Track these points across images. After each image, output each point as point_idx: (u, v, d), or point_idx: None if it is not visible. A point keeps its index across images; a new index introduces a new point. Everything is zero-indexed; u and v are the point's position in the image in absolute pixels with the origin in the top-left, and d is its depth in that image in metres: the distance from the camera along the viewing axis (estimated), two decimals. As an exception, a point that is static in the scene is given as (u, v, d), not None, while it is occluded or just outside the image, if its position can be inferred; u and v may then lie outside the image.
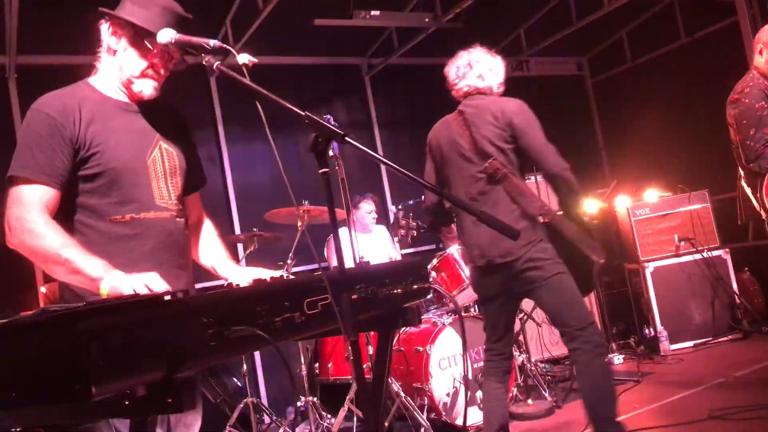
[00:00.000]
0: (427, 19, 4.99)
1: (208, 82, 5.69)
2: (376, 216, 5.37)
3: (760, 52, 3.60)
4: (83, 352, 1.06)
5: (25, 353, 1.10)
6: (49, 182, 1.87)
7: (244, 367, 4.54)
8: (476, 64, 3.18)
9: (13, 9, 4.01)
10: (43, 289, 3.95)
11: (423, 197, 3.47)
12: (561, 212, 3.09)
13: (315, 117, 1.63)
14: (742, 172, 3.61)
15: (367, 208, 5.31)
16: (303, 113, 1.66)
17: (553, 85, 7.50)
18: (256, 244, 4.68)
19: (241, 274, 2.13)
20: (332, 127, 1.61)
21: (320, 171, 1.64)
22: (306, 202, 4.49)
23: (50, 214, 1.87)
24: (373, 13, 4.64)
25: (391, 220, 5.92)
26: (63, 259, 1.76)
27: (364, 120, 6.59)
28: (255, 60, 1.83)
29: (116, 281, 1.68)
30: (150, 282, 1.62)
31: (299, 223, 4.47)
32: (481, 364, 4.42)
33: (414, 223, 3.51)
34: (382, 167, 6.54)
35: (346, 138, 1.61)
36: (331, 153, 4.00)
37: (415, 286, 2.07)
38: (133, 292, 1.60)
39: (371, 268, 2.02)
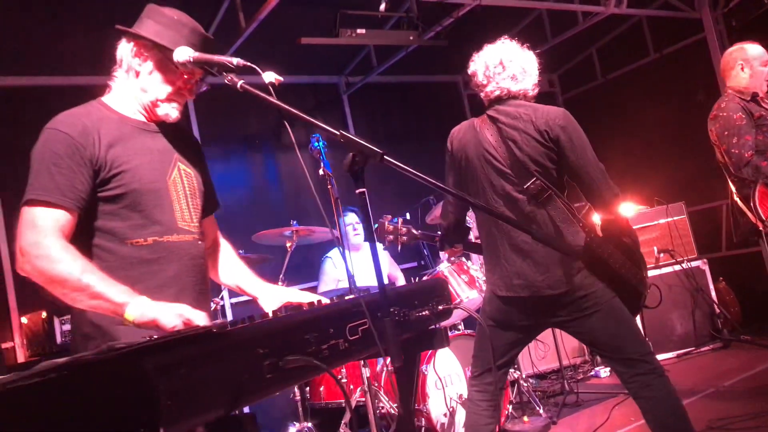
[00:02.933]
0: (411, 37, 4.99)
1: (186, 102, 5.57)
2: (357, 230, 5.29)
3: (743, 69, 3.77)
4: (151, 391, 0.99)
5: (86, 394, 1.01)
6: (69, 206, 1.78)
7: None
8: (509, 63, 2.74)
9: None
10: (24, 320, 3.77)
11: (441, 212, 3.07)
12: (605, 235, 2.74)
13: (351, 136, 1.59)
14: (733, 188, 3.69)
15: (347, 221, 5.21)
16: (338, 132, 1.62)
17: (526, 101, 7.60)
18: (242, 266, 4.57)
19: (270, 293, 2.07)
20: (371, 146, 1.57)
21: (357, 191, 1.59)
22: (295, 222, 4.42)
23: (66, 239, 1.77)
24: (359, 31, 4.62)
25: (375, 226, 5.85)
26: (83, 284, 1.67)
27: (343, 138, 6.54)
28: (281, 78, 1.78)
29: (144, 308, 1.60)
30: (185, 312, 1.54)
31: (288, 244, 4.40)
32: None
33: (404, 228, 3.06)
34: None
35: (385, 156, 1.56)
36: (321, 172, 3.94)
37: (440, 307, 2.02)
38: (167, 321, 1.52)
39: (401, 289, 1.97)
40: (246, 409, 4.87)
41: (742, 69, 3.77)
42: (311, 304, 1.62)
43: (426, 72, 6.84)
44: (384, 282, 1.58)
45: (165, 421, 0.99)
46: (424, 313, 1.91)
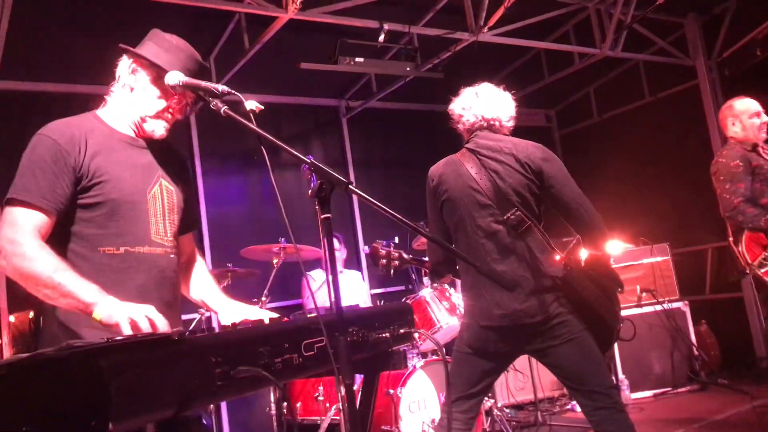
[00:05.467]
0: (408, 68, 5.15)
1: (188, 116, 5.73)
2: (341, 254, 5.43)
3: (733, 124, 3.99)
4: (104, 388, 1.09)
5: (44, 388, 1.12)
6: (47, 208, 1.88)
7: (211, 405, 4.48)
8: (482, 93, 2.95)
9: (1, 36, 4.01)
10: (11, 318, 3.87)
11: (428, 248, 3.19)
12: (583, 269, 2.82)
13: (319, 165, 1.70)
14: (729, 230, 3.86)
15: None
16: (308, 160, 1.73)
17: (523, 135, 7.70)
18: (229, 279, 4.68)
19: (231, 311, 2.16)
20: (337, 175, 1.68)
21: (322, 217, 1.70)
22: (283, 240, 4.53)
23: (43, 239, 1.87)
24: (357, 59, 4.78)
25: (367, 251, 5.98)
26: (56, 282, 1.76)
27: (340, 159, 6.70)
28: (261, 107, 1.90)
29: (112, 308, 1.69)
30: (149, 313, 1.63)
31: (275, 260, 4.51)
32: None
33: (396, 253, 3.13)
34: (356, 207, 6.63)
35: (350, 186, 1.68)
36: (310, 193, 4.06)
37: (401, 330, 2.12)
38: (130, 322, 1.61)
39: (363, 311, 2.08)
40: (224, 418, 4.94)
41: (734, 124, 3.99)
42: (272, 319, 1.72)
43: (425, 100, 7.01)
44: (342, 304, 1.68)
45: (114, 417, 1.09)
46: (383, 334, 2.01)
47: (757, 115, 3.92)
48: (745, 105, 3.99)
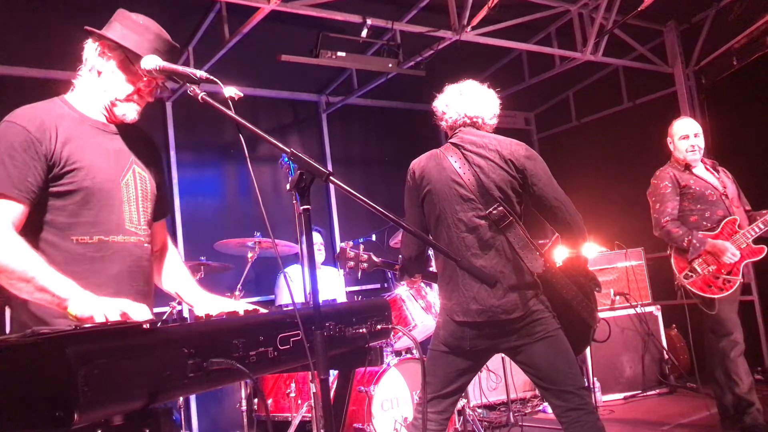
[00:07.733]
0: (390, 65, 5.12)
1: (164, 107, 5.64)
2: (322, 249, 5.39)
3: (670, 143, 4.32)
4: (70, 377, 1.05)
5: (6, 375, 1.07)
6: (19, 197, 1.82)
7: (180, 399, 4.41)
8: (466, 91, 2.94)
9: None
10: (-25, 307, 3.75)
11: (402, 243, 3.08)
12: (561, 268, 2.86)
13: (300, 154, 1.67)
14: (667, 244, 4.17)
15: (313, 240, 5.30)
16: (288, 150, 1.70)
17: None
18: (202, 273, 4.60)
19: (207, 303, 2.11)
20: (317, 166, 1.65)
21: (302, 208, 1.66)
22: (258, 234, 4.47)
23: (17, 230, 1.81)
24: (339, 54, 4.74)
25: (337, 252, 5.96)
26: (29, 276, 1.71)
27: (318, 155, 6.65)
28: (241, 94, 1.86)
29: (86, 304, 1.64)
30: (125, 308, 1.58)
31: (250, 255, 4.45)
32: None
33: (365, 255, 3.13)
34: (333, 203, 6.58)
35: (331, 177, 1.64)
36: (288, 187, 4.02)
37: (379, 326, 2.09)
38: (104, 318, 1.57)
39: (340, 306, 2.04)
40: (193, 413, 4.86)
41: (670, 143, 4.31)
42: (247, 311, 1.68)
43: (406, 99, 7.00)
44: (319, 299, 1.65)
45: (81, 407, 1.05)
46: (360, 330, 1.98)
47: (686, 137, 4.16)
48: (677, 126, 4.26)
